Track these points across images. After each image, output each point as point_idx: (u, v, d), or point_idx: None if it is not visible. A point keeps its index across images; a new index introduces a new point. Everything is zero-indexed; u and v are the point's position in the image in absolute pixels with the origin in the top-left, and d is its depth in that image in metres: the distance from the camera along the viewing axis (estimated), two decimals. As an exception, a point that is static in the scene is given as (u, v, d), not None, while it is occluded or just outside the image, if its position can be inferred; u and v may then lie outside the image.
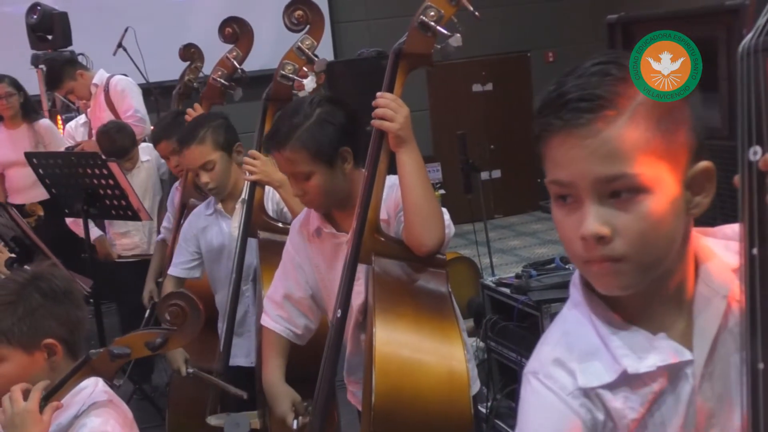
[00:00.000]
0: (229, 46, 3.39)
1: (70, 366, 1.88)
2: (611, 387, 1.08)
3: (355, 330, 2.26)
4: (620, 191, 0.99)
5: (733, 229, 1.13)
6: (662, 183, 1.00)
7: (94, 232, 4.79)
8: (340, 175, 2.21)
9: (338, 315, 2.16)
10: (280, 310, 2.46)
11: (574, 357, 1.10)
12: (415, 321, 2.03)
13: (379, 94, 2.06)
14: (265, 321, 2.50)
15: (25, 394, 1.80)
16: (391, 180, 2.13)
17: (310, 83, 2.75)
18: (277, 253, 2.54)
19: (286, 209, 2.98)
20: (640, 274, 1.03)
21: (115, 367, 1.90)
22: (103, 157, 4.01)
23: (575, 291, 1.15)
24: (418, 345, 2.00)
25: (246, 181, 3.00)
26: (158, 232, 4.25)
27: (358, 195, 2.23)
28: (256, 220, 2.95)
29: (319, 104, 2.20)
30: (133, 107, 5.34)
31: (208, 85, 3.45)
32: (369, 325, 2.22)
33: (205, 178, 3.04)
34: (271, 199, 3.07)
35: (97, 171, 3.93)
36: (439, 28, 2.00)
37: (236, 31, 3.33)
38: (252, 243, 3.01)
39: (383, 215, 2.16)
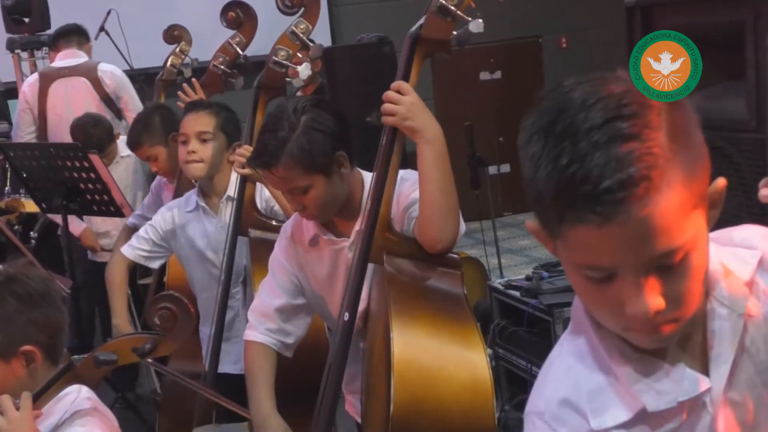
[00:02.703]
0: (230, 32, 3.40)
1: (51, 373, 1.88)
2: (627, 426, 1.05)
3: (354, 337, 2.25)
4: (667, 260, 0.96)
5: (742, 234, 1.11)
6: (700, 232, 0.98)
7: (78, 224, 4.76)
8: (338, 182, 2.21)
9: (345, 318, 2.15)
10: (270, 322, 2.45)
11: (584, 394, 1.07)
12: (433, 324, 2.04)
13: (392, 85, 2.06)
14: (251, 335, 2.47)
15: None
16: (400, 174, 2.14)
17: (305, 71, 2.72)
18: (269, 252, 2.53)
19: (277, 207, 2.98)
20: (687, 324, 1.01)
21: (101, 375, 1.91)
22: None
23: (579, 314, 1.11)
24: (438, 350, 2.01)
25: (233, 178, 2.99)
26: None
27: (359, 196, 2.23)
28: (246, 218, 2.95)
29: (303, 111, 2.18)
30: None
31: (208, 73, 3.46)
32: (369, 332, 2.22)
33: (192, 145, 3.02)
34: (260, 195, 3.07)
35: (77, 163, 3.93)
36: (459, 12, 2.01)
37: (240, 16, 3.34)
38: (240, 244, 3.01)
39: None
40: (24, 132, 5.44)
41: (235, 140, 3.09)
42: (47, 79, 5.41)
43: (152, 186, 4.02)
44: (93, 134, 4.63)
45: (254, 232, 2.93)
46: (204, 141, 3.02)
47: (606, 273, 0.97)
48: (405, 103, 2.03)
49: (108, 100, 5.32)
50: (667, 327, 0.99)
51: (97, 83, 5.33)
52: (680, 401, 1.03)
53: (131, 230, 3.88)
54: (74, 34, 5.51)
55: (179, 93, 3.62)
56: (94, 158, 3.92)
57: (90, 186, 3.99)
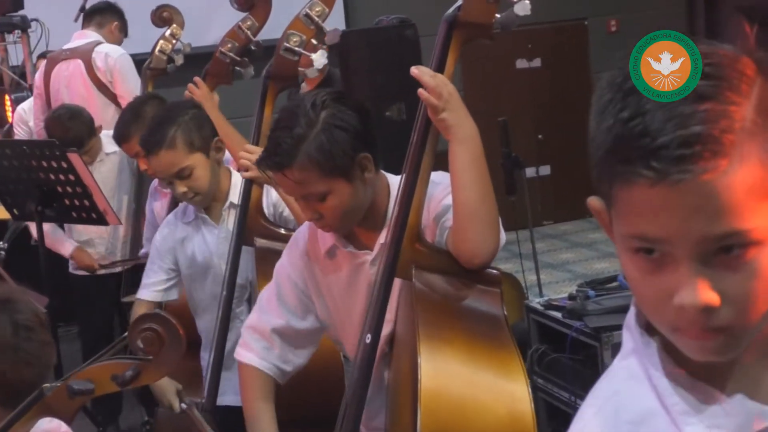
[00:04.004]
0: (230, 15, 3.41)
1: (5, 414, 1.87)
2: None
3: (379, 364, 2.25)
4: (730, 247, 0.95)
5: None
6: None
7: (69, 244, 4.76)
8: (360, 187, 2.20)
9: (367, 341, 2.15)
10: (268, 342, 2.46)
11: (623, 423, 1.07)
12: (467, 349, 2.04)
13: (414, 67, 2.05)
14: (245, 356, 2.48)
15: None
16: (437, 177, 2.14)
17: (320, 59, 2.72)
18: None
19: (287, 212, 2.98)
20: (745, 339, 1.00)
21: (76, 407, 1.91)
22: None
23: (629, 336, 1.11)
24: (472, 379, 2.01)
25: (235, 180, 3.00)
26: (129, 243, 4.26)
27: (384, 203, 2.23)
28: (252, 226, 2.96)
29: (323, 106, 2.17)
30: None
31: (214, 60, 3.47)
32: (395, 359, 2.22)
33: (181, 187, 3.01)
34: (267, 198, 3.09)
35: (53, 163, 3.95)
36: None
37: None
38: (245, 256, 3.02)
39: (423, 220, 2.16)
40: (39, 119, 5.55)
41: (210, 138, 3.07)
42: (51, 62, 5.54)
43: (147, 204, 4.02)
44: (70, 128, 4.62)
45: (261, 242, 2.93)
46: (187, 176, 3.01)
47: (656, 247, 0.97)
48: (444, 91, 2.02)
49: (101, 86, 5.35)
50: (717, 335, 0.98)
51: (89, 67, 5.39)
52: None
53: None
54: (97, 14, 5.62)
55: (189, 86, 3.63)
56: (74, 157, 3.93)
57: (68, 189, 4.01)
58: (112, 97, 5.36)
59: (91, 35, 5.52)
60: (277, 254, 2.64)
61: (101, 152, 4.78)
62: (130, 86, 5.29)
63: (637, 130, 0.94)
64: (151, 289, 3.28)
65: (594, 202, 1.06)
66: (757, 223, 0.95)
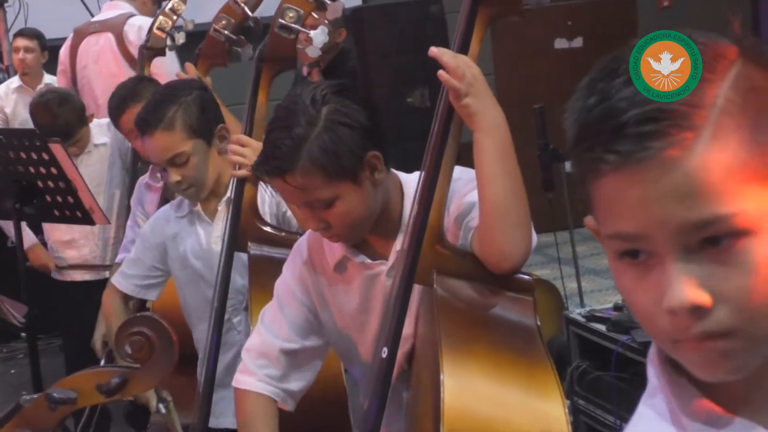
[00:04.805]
0: None
1: None
2: None
3: (396, 384, 2.24)
4: (716, 238, 0.95)
5: None
6: None
7: (27, 238, 4.80)
8: (371, 190, 2.19)
9: (383, 355, 2.13)
10: (272, 366, 2.45)
11: None
12: (495, 364, 2.03)
13: (431, 48, 2.04)
14: (246, 382, 2.48)
15: None
16: (456, 172, 2.13)
17: (320, 36, 2.70)
18: (274, 276, 2.53)
19: (290, 213, 2.97)
20: (755, 349, 0.99)
21: (56, 419, 1.91)
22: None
23: (652, 372, 1.11)
24: (501, 398, 2.00)
25: (232, 177, 3.00)
26: (119, 245, 4.26)
27: (398, 206, 2.24)
28: (246, 229, 2.94)
29: (324, 101, 2.16)
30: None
31: (208, 39, 3.46)
32: (414, 377, 2.22)
33: (174, 176, 3.01)
34: (269, 200, 3.09)
35: (34, 155, 3.96)
36: None
37: None
38: (243, 257, 3.02)
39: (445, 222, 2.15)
40: None
41: (215, 123, 3.08)
42: (79, 35, 5.59)
43: (134, 198, 4.03)
44: (59, 115, 4.63)
45: (255, 248, 2.92)
46: (182, 164, 3.01)
47: (638, 246, 0.98)
48: (467, 74, 2.01)
49: (134, 62, 5.33)
50: (715, 342, 0.97)
51: (121, 41, 5.42)
52: None
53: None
54: None
55: (178, 73, 3.62)
56: (56, 148, 3.93)
57: (50, 184, 4.02)
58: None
59: (122, 6, 5.54)
60: (274, 262, 2.63)
61: (90, 143, 4.80)
62: (166, 63, 5.27)
63: (601, 114, 0.98)
64: (130, 281, 3.31)
65: (589, 221, 1.07)
66: (740, 208, 0.94)
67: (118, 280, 3.33)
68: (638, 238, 0.98)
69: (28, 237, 4.82)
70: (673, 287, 0.96)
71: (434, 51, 2.02)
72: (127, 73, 5.20)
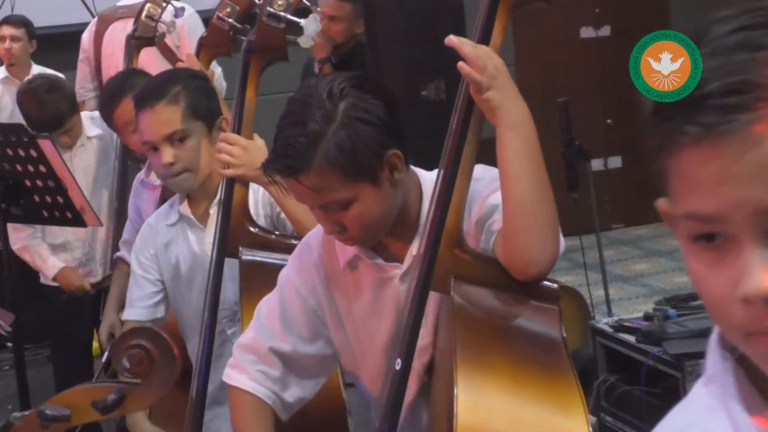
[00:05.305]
0: None
1: None
2: None
3: (415, 398, 2.25)
4: None
5: None
6: None
7: (53, 265, 4.77)
8: (389, 191, 2.19)
9: (397, 367, 2.13)
10: (266, 364, 2.44)
11: None
12: (515, 378, 2.03)
13: (450, 37, 2.03)
14: (237, 378, 2.47)
15: None
16: (478, 172, 2.13)
17: (310, 25, 2.70)
18: (267, 282, 2.53)
19: (284, 215, 2.96)
20: None
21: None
22: (30, 131, 4.04)
23: (712, 360, 1.12)
24: (519, 414, 2.00)
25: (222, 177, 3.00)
26: (111, 247, 4.28)
27: (416, 206, 2.24)
28: (236, 233, 2.93)
29: (342, 95, 2.15)
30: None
31: (211, 28, 3.46)
32: (434, 391, 2.22)
33: (168, 154, 3.00)
34: (262, 200, 3.09)
35: (21, 152, 3.97)
36: None
37: None
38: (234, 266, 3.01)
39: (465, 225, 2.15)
40: (84, 89, 5.65)
41: (217, 114, 3.10)
42: (104, 22, 5.62)
43: (130, 200, 4.04)
44: (48, 102, 4.62)
45: (247, 254, 2.91)
46: (179, 140, 3.02)
47: (714, 229, 0.98)
48: (489, 66, 2.01)
49: (165, 50, 5.32)
50: None
51: None
52: None
53: (123, 264, 3.93)
54: None
55: (178, 64, 3.63)
56: (45, 145, 3.94)
57: (39, 183, 4.02)
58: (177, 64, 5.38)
59: None
60: (267, 268, 2.62)
61: (82, 135, 4.79)
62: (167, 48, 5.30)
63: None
64: (138, 306, 3.30)
65: (662, 203, 1.08)
66: None
67: (128, 313, 3.32)
68: (715, 219, 0.98)
69: (53, 264, 4.77)
70: (749, 274, 0.96)
71: (453, 40, 2.02)
72: (156, 61, 5.17)
